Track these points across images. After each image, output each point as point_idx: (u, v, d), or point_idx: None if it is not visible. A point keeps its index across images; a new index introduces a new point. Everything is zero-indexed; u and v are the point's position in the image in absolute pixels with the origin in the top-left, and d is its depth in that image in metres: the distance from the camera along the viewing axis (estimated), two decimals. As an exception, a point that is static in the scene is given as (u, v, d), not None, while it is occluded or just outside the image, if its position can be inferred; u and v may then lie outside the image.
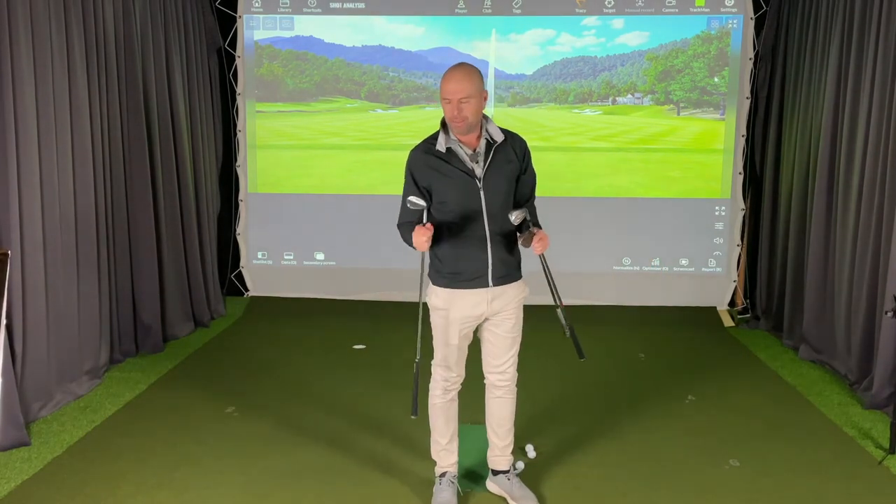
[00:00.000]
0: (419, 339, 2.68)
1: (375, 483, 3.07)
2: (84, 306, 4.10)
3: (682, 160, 5.91)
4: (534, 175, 2.81)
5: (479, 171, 2.64)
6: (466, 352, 2.84)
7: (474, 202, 2.63)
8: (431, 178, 2.64)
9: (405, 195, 2.69)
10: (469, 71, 2.59)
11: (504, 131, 2.71)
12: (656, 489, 3.05)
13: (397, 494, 2.98)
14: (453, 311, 2.72)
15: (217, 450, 3.36)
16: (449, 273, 2.70)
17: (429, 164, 2.64)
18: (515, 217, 2.61)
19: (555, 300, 2.73)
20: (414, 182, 2.67)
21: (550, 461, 3.28)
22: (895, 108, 3.97)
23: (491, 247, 2.67)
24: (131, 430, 3.56)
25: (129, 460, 3.24)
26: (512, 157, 2.70)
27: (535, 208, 2.85)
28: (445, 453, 2.92)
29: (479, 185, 2.63)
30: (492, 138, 2.68)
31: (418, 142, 2.74)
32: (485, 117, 2.68)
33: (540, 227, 2.75)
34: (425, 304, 2.77)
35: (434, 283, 2.76)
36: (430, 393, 2.89)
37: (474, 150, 2.66)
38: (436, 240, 2.68)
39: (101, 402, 3.90)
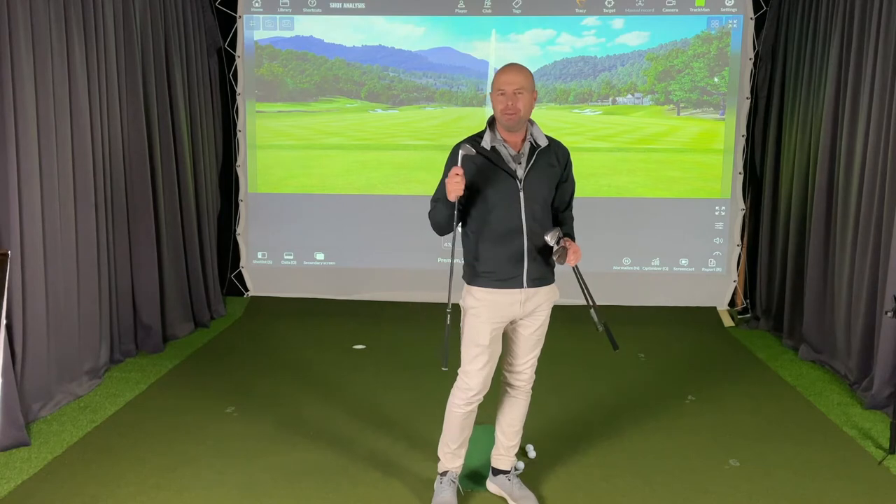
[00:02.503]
0: (450, 288, 2.66)
1: (375, 483, 3.07)
2: (84, 306, 4.10)
3: (682, 160, 5.91)
4: (574, 183, 2.85)
5: (520, 172, 2.65)
6: (495, 363, 2.78)
7: (513, 203, 2.64)
8: (473, 174, 2.64)
9: (441, 180, 2.70)
10: (523, 66, 2.65)
11: (548, 138, 2.74)
12: (656, 489, 3.05)
13: (397, 494, 2.98)
14: (487, 309, 2.70)
15: (217, 450, 3.36)
16: (484, 272, 2.70)
17: (472, 160, 2.65)
18: (550, 237, 2.63)
19: (588, 302, 2.79)
20: None
21: (550, 461, 3.28)
22: (895, 108, 3.97)
23: (527, 249, 2.67)
24: (131, 430, 3.56)
25: (129, 460, 3.24)
26: (554, 162, 2.73)
27: (572, 217, 2.89)
28: (452, 456, 2.90)
29: (520, 185, 2.64)
30: (536, 142, 2.70)
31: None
32: (531, 121, 2.71)
33: (574, 236, 2.80)
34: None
35: (469, 283, 2.75)
36: (451, 399, 2.82)
37: (518, 152, 2.68)
38: (473, 239, 2.71)
39: (101, 402, 3.89)
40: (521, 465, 3.18)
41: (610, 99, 5.96)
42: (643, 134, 5.96)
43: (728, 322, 5.72)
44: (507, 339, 2.85)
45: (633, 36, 5.83)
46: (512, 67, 2.64)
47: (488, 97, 6.03)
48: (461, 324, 2.78)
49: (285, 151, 6.09)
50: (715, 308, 5.90)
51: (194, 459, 3.26)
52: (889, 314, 3.40)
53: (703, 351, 5.02)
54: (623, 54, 5.87)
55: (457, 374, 2.81)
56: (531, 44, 5.88)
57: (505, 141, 2.68)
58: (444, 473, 2.92)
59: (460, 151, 2.58)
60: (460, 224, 2.73)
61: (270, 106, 6.06)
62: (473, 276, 2.73)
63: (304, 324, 5.56)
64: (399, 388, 4.17)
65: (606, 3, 5.77)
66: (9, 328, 3.43)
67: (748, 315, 5.86)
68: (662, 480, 3.12)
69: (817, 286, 4.79)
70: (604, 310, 5.74)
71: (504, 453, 2.97)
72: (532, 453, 3.33)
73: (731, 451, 3.40)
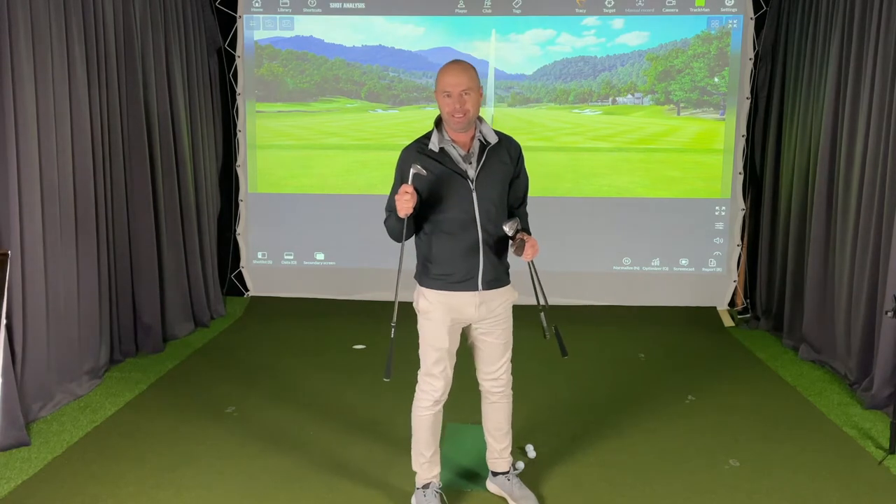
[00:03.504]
0: (396, 303, 2.62)
1: (375, 483, 3.07)
2: (84, 306, 4.10)
3: (682, 160, 5.91)
4: (527, 179, 2.78)
5: (471, 172, 2.59)
6: (455, 359, 2.76)
7: (466, 204, 2.58)
8: (423, 178, 2.57)
9: (392, 189, 2.64)
10: (467, 64, 2.57)
11: (498, 133, 2.67)
12: (656, 489, 3.05)
13: (397, 494, 2.98)
14: (442, 312, 2.65)
15: (217, 450, 3.36)
16: (439, 275, 2.64)
17: (421, 164, 2.56)
18: (509, 227, 2.56)
19: (538, 303, 2.69)
20: (402, 181, 2.58)
21: (550, 461, 3.28)
22: (895, 108, 3.97)
23: (482, 250, 2.61)
24: (131, 430, 3.56)
25: (129, 460, 3.24)
26: (506, 159, 2.65)
27: (526, 214, 2.81)
28: (429, 465, 2.83)
29: (472, 186, 2.58)
30: (485, 139, 2.64)
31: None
32: (479, 118, 2.65)
33: (530, 232, 2.72)
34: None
35: (422, 285, 2.69)
36: (416, 405, 2.78)
37: (468, 151, 2.62)
38: (426, 241, 2.66)
39: (101, 402, 3.90)
40: (521, 465, 3.18)
41: (610, 99, 5.96)
42: (643, 134, 5.95)
43: (728, 322, 5.72)
44: (476, 349, 2.79)
45: (633, 36, 5.83)
46: (456, 66, 2.53)
47: (488, 97, 6.06)
48: (417, 326, 2.73)
49: (285, 151, 6.08)
50: (715, 308, 5.90)
51: (194, 459, 3.26)
52: (889, 314, 3.40)
53: (703, 351, 5.01)
54: (623, 54, 5.87)
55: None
56: (531, 44, 5.88)
57: (454, 141, 2.61)
58: (426, 486, 2.83)
59: (411, 170, 2.49)
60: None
61: (270, 106, 6.06)
62: (427, 278, 2.67)
63: (304, 324, 5.56)
64: (399, 388, 4.15)
65: (606, 3, 5.77)
66: (9, 328, 3.44)
67: (748, 315, 5.86)
68: (662, 480, 3.12)
69: (817, 286, 4.78)
70: (604, 310, 5.78)
71: (498, 456, 2.95)
72: (532, 453, 3.33)
73: (731, 451, 3.40)
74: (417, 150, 2.62)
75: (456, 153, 2.60)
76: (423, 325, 2.71)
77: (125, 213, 4.56)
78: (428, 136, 2.64)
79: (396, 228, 2.62)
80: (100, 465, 3.19)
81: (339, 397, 4.04)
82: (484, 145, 2.63)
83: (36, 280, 3.66)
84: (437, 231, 2.62)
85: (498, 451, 2.95)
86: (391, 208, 2.62)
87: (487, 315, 2.69)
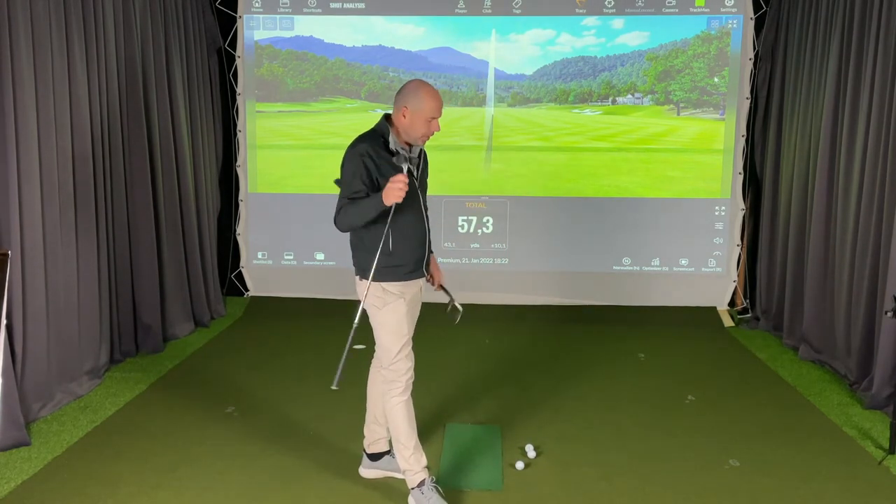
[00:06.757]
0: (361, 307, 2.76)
1: (375, 483, 3.08)
2: (84, 306, 4.10)
3: (682, 160, 5.91)
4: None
5: (415, 172, 2.86)
6: None
7: (415, 200, 2.83)
8: (387, 174, 2.75)
9: (353, 178, 2.82)
10: None
11: None
12: (656, 489, 3.05)
13: (397, 494, 2.98)
14: (404, 302, 2.84)
15: (217, 450, 3.36)
16: (397, 266, 2.82)
17: (386, 161, 2.80)
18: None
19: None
20: (367, 172, 2.79)
21: (550, 461, 3.29)
22: (895, 108, 3.97)
23: (427, 240, 2.89)
24: (131, 430, 3.56)
25: (129, 460, 3.24)
26: (426, 162, 2.99)
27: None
28: (415, 456, 2.86)
29: (416, 185, 2.85)
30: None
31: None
32: None
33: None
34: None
35: (380, 280, 2.81)
36: (389, 396, 2.84)
37: (410, 155, 2.87)
38: (381, 236, 2.79)
39: (101, 402, 3.90)
40: (521, 464, 3.19)
41: (610, 99, 5.96)
42: (643, 134, 5.96)
43: (728, 322, 5.72)
44: None
45: (633, 36, 5.83)
46: (438, 93, 2.85)
47: (488, 97, 6.05)
48: (378, 320, 2.83)
49: (285, 151, 6.08)
50: (715, 308, 5.90)
51: (194, 459, 3.26)
52: (889, 314, 3.40)
53: (703, 351, 5.02)
54: (623, 54, 5.87)
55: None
56: (531, 44, 5.88)
57: (402, 145, 2.86)
58: (421, 484, 2.84)
59: (405, 166, 2.73)
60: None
61: (270, 106, 6.06)
62: (388, 272, 2.81)
63: (304, 324, 5.56)
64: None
65: (606, 3, 5.77)
66: (9, 328, 3.44)
67: (748, 315, 5.86)
68: (662, 480, 3.12)
69: (817, 286, 4.79)
70: (604, 310, 5.77)
71: (384, 435, 3.10)
72: (532, 453, 3.33)
73: (731, 451, 3.40)
74: (379, 147, 2.83)
75: (405, 155, 2.84)
76: (387, 317, 2.83)
77: (125, 213, 4.56)
78: (382, 136, 2.87)
79: (367, 215, 2.76)
80: (100, 465, 3.19)
81: (339, 397, 4.04)
82: (419, 149, 2.92)
83: (36, 280, 3.66)
84: (396, 225, 2.79)
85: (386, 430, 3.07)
86: (357, 197, 2.82)
87: (420, 298, 2.97)
